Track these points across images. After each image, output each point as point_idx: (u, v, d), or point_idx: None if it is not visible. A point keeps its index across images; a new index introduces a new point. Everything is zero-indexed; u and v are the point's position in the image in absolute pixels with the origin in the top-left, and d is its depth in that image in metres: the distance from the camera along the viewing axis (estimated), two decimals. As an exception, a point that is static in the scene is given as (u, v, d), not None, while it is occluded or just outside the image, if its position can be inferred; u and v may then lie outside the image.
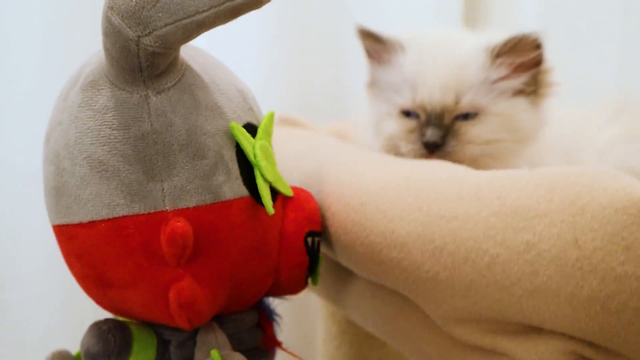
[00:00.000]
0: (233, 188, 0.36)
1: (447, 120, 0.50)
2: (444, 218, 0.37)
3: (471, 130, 0.50)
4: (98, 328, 0.37)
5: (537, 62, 0.50)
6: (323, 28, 0.89)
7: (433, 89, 0.50)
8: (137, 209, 0.34)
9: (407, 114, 0.52)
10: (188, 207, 0.34)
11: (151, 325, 0.39)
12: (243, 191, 0.37)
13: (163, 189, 0.34)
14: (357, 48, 0.57)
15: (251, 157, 0.37)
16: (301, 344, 0.96)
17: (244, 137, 0.37)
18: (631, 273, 0.30)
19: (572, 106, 0.63)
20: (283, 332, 0.75)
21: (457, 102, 0.50)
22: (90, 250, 0.35)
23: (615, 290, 0.30)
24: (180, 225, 0.33)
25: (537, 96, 0.51)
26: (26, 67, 0.67)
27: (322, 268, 0.43)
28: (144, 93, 0.34)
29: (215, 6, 0.31)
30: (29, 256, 0.68)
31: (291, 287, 0.42)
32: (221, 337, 0.38)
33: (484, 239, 0.35)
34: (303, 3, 0.87)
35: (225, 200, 0.36)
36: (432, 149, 0.49)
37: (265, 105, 0.44)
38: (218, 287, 0.36)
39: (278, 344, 0.44)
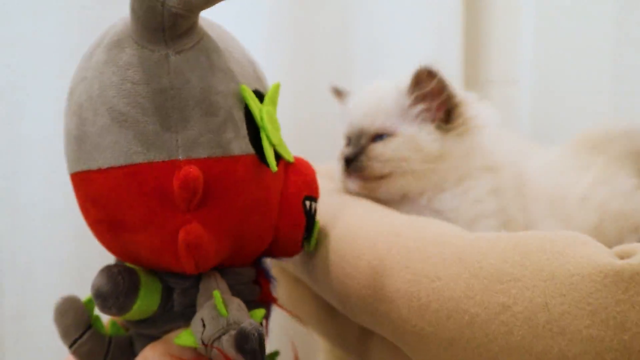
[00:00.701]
0: (241, 145, 0.39)
1: (364, 140, 0.60)
2: (428, 277, 0.39)
3: (376, 148, 0.58)
4: (109, 270, 0.39)
5: (439, 92, 0.58)
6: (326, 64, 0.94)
7: (356, 117, 0.61)
8: (152, 156, 0.37)
9: (347, 141, 0.62)
10: (199, 158, 0.37)
11: (157, 273, 0.41)
12: (249, 149, 0.40)
13: (177, 140, 0.37)
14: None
15: (258, 119, 0.40)
16: None
17: (252, 100, 0.40)
18: (595, 336, 0.34)
19: (547, 149, 0.70)
20: None
21: (371, 126, 0.59)
22: (106, 194, 0.38)
23: (582, 351, 0.34)
24: (192, 170, 0.36)
25: (449, 125, 0.58)
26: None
27: (316, 304, 0.42)
28: (165, 52, 0.37)
29: None
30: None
31: (288, 248, 0.45)
32: (222, 284, 0.40)
33: (465, 299, 0.38)
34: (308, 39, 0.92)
35: (233, 155, 0.39)
36: (347, 164, 0.58)
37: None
38: (222, 235, 0.39)
39: (274, 299, 0.47)
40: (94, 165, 0.38)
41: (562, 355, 0.35)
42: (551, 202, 0.63)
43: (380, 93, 0.61)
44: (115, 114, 0.37)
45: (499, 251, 0.38)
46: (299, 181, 0.44)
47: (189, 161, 0.37)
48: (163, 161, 0.37)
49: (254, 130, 0.41)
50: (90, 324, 0.43)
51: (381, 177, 0.58)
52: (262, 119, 0.41)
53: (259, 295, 0.45)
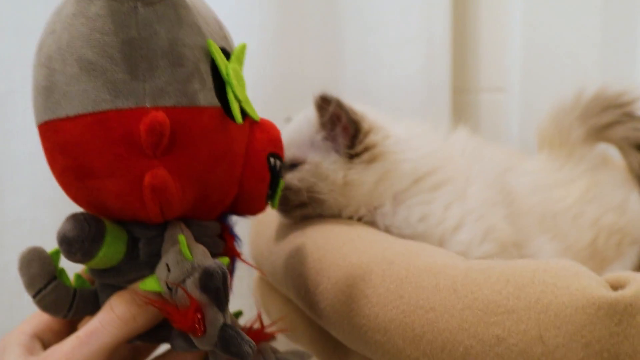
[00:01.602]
0: (207, 97, 0.40)
1: (282, 171, 0.58)
2: (423, 308, 0.39)
3: (287, 178, 0.58)
4: (74, 217, 0.40)
5: (338, 118, 0.58)
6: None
7: None
8: (120, 104, 0.38)
9: None
10: (166, 106, 0.38)
11: (122, 224, 0.42)
12: (215, 102, 0.41)
13: (145, 89, 0.38)
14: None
15: (224, 73, 0.42)
16: None
17: (218, 55, 0.42)
18: None
19: (528, 161, 0.71)
20: None
21: (286, 156, 0.58)
22: (74, 141, 0.38)
23: (576, 383, 0.35)
24: (159, 115, 0.37)
25: (352, 152, 0.58)
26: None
27: (308, 324, 0.42)
28: (134, 4, 0.38)
29: None
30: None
31: (253, 203, 0.46)
32: (187, 232, 0.41)
33: (459, 331, 0.38)
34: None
35: (199, 106, 0.40)
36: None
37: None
38: (187, 183, 0.40)
39: (238, 254, 0.47)
40: (62, 114, 0.39)
41: (556, 388, 0.35)
42: (541, 220, 0.63)
43: (297, 123, 0.62)
44: (84, 64, 0.38)
45: (492, 282, 0.39)
46: (263, 138, 0.45)
47: (156, 108, 0.38)
48: (130, 108, 0.38)
49: (220, 85, 0.42)
50: (55, 275, 0.43)
51: (299, 206, 0.58)
52: (228, 74, 0.42)
53: (223, 250, 0.46)
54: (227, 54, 0.43)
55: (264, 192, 0.46)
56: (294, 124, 0.62)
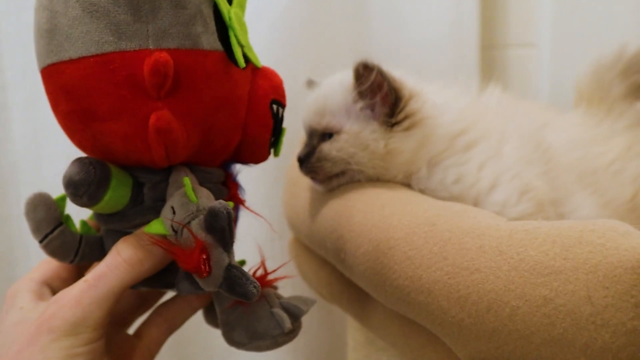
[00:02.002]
0: (209, 40, 0.40)
1: (314, 140, 0.59)
2: (468, 269, 0.39)
3: (324, 149, 0.58)
4: (81, 161, 0.40)
5: (379, 86, 0.57)
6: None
7: (307, 115, 0.61)
8: (124, 46, 0.38)
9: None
10: (169, 48, 0.38)
11: (127, 169, 0.42)
12: (218, 46, 0.41)
13: (148, 30, 0.38)
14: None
15: (226, 17, 0.42)
16: (331, 352, 0.93)
17: None
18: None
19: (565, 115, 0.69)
20: (312, 337, 0.68)
21: (319, 124, 0.59)
22: (78, 84, 0.38)
23: (626, 343, 0.35)
24: (162, 55, 0.37)
25: (393, 120, 0.57)
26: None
27: (346, 285, 0.42)
28: None
29: None
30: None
31: (256, 151, 0.46)
32: (192, 176, 0.41)
33: (505, 292, 0.38)
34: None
35: (202, 49, 0.40)
36: (300, 164, 0.59)
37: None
38: (191, 126, 0.40)
39: (242, 202, 0.47)
40: (65, 56, 0.38)
41: (605, 348, 0.35)
42: (580, 176, 0.62)
43: (329, 90, 0.60)
44: (86, 5, 0.38)
45: (539, 243, 0.38)
46: (266, 85, 0.45)
47: (160, 50, 0.38)
48: (134, 50, 0.38)
49: (222, 30, 0.42)
50: (61, 221, 0.43)
51: (335, 176, 0.58)
52: (230, 18, 0.42)
53: (226, 197, 0.46)
54: (229, 0, 0.43)
55: (267, 138, 0.46)
56: (325, 90, 0.61)
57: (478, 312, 0.39)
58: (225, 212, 0.37)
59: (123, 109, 0.38)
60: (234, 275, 0.38)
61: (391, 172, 0.58)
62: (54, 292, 0.43)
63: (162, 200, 0.41)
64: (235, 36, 0.42)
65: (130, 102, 0.38)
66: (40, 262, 0.46)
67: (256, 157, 0.47)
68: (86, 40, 0.38)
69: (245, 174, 0.50)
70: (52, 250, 0.43)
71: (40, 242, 0.43)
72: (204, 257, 0.37)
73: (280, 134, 0.47)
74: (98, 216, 0.44)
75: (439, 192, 0.57)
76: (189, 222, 0.38)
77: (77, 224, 0.46)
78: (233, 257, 0.39)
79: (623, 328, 0.35)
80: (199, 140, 0.41)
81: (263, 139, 0.45)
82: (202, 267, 0.37)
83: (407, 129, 0.57)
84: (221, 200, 0.38)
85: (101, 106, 0.38)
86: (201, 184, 0.42)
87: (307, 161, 0.58)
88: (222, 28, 0.41)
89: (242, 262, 0.50)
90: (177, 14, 0.38)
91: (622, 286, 0.35)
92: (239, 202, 0.47)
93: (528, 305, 0.37)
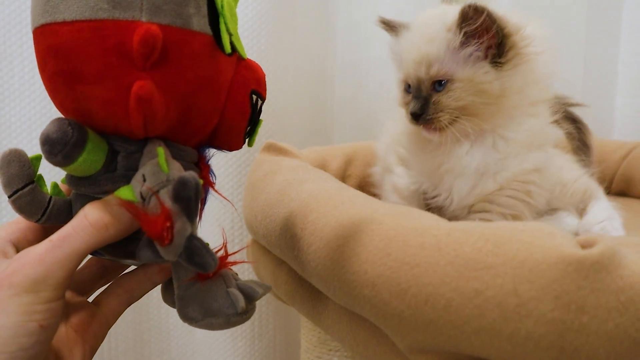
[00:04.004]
0: (200, 23, 0.42)
1: (425, 91, 0.60)
2: (408, 264, 0.42)
3: (442, 100, 0.59)
4: (59, 120, 0.41)
5: (488, 27, 0.57)
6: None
7: (409, 65, 0.60)
8: (117, 14, 0.40)
9: (405, 87, 0.63)
10: (161, 23, 0.40)
11: (104, 136, 0.43)
12: (207, 30, 0.43)
13: (142, 3, 0.40)
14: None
15: (218, 5, 0.44)
16: (285, 353, 0.94)
17: None
18: (559, 318, 0.38)
19: None
20: (268, 341, 0.68)
21: (427, 74, 0.59)
22: (68, 46, 0.40)
23: (546, 332, 0.38)
24: (153, 28, 0.39)
25: (503, 59, 0.58)
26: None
27: (300, 284, 0.44)
28: None
29: None
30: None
31: (232, 137, 0.48)
32: (166, 150, 0.43)
33: (441, 285, 0.41)
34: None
35: (192, 29, 0.42)
36: (416, 118, 0.59)
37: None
38: (172, 100, 0.41)
39: (211, 184, 0.49)
40: (59, 18, 0.40)
41: (529, 336, 0.38)
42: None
43: (429, 34, 0.60)
44: None
45: (474, 240, 0.42)
46: (248, 75, 0.47)
47: (151, 23, 0.40)
48: (126, 20, 0.40)
49: (214, 16, 0.44)
50: (33, 179, 0.44)
51: (450, 124, 0.59)
52: (222, 6, 0.44)
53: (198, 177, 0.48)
54: None
55: (243, 126, 0.47)
56: (424, 36, 0.60)
57: (417, 304, 0.42)
58: (193, 182, 0.38)
59: (108, 74, 0.40)
60: (194, 245, 0.39)
61: (500, 117, 0.59)
62: (19, 252, 0.43)
63: (134, 170, 0.42)
64: (225, 23, 0.44)
65: (115, 69, 0.40)
66: (8, 223, 0.47)
67: (231, 144, 0.49)
68: (82, 5, 0.39)
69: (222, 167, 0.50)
70: (20, 206, 0.44)
71: (10, 197, 0.43)
72: (168, 224, 0.39)
73: (257, 125, 0.49)
74: (69, 179, 0.45)
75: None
76: (157, 190, 0.40)
77: (49, 186, 0.47)
78: (196, 228, 0.40)
79: (544, 318, 0.38)
80: (178, 117, 0.43)
81: (239, 126, 0.47)
82: (165, 234, 0.38)
83: (516, 65, 0.58)
84: (191, 172, 0.40)
85: (87, 69, 0.40)
86: (174, 159, 0.43)
87: (424, 114, 0.59)
88: (214, 15, 0.43)
89: (206, 245, 0.52)
90: None
91: (545, 280, 0.39)
92: (208, 184, 0.49)
93: (461, 297, 0.40)
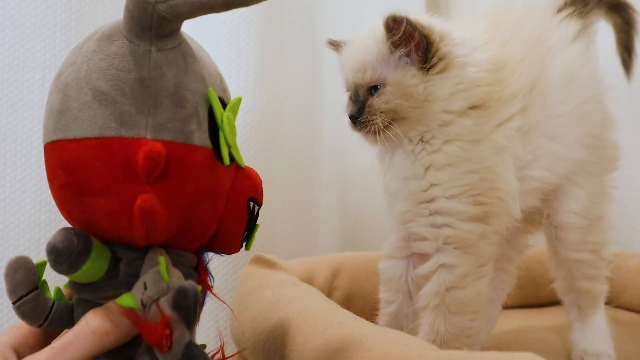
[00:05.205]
0: (201, 138, 0.45)
1: (362, 95, 0.63)
2: None
3: (374, 103, 0.61)
4: (65, 230, 0.43)
5: (411, 34, 0.60)
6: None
7: (348, 72, 0.64)
8: (124, 132, 0.43)
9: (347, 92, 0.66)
10: (164, 140, 0.43)
11: (108, 244, 0.45)
12: (208, 144, 0.46)
13: (147, 122, 0.43)
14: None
15: (219, 120, 0.47)
16: None
17: (216, 103, 0.47)
18: None
19: None
20: None
21: (362, 79, 0.62)
22: (77, 161, 0.43)
23: None
24: (157, 145, 0.42)
25: (427, 65, 0.61)
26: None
27: None
28: (149, 48, 0.44)
29: None
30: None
31: (229, 242, 0.50)
32: (167, 257, 0.44)
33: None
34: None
35: (194, 144, 0.45)
36: (353, 121, 0.62)
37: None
38: (173, 212, 0.44)
39: (209, 288, 0.51)
40: (70, 135, 0.43)
41: None
42: None
43: (363, 44, 0.64)
44: (97, 93, 0.43)
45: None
46: (246, 183, 0.50)
47: (155, 140, 0.43)
48: (132, 138, 0.43)
49: (214, 130, 0.47)
50: (37, 285, 0.46)
51: (386, 127, 0.61)
52: (222, 120, 0.47)
53: (196, 281, 0.49)
54: (223, 104, 0.49)
55: (241, 232, 0.50)
56: (360, 45, 0.64)
57: None
58: (193, 292, 0.40)
59: (114, 188, 0.42)
60: (192, 352, 0.40)
61: (430, 119, 0.60)
62: (20, 357, 0.45)
63: (136, 277, 0.44)
64: (225, 137, 0.47)
65: (121, 183, 0.42)
66: (10, 327, 0.48)
67: (228, 248, 0.51)
68: (92, 124, 0.43)
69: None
70: (24, 312, 0.45)
71: (14, 303, 0.45)
72: (167, 332, 0.40)
73: (254, 230, 0.51)
74: (73, 285, 0.46)
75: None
76: (158, 298, 0.41)
77: (52, 290, 0.48)
78: (194, 336, 0.42)
79: None
80: (179, 226, 0.45)
81: (237, 232, 0.49)
82: (164, 341, 0.40)
83: (442, 71, 0.61)
84: (191, 281, 0.41)
85: (94, 183, 0.42)
86: (174, 265, 0.45)
87: (360, 117, 0.61)
88: (214, 128, 0.47)
89: (203, 346, 0.52)
90: (175, 112, 0.44)
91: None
92: (206, 288, 0.50)
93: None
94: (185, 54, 0.46)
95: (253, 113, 0.94)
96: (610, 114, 0.72)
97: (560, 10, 0.70)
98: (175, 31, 0.45)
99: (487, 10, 0.74)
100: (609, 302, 0.89)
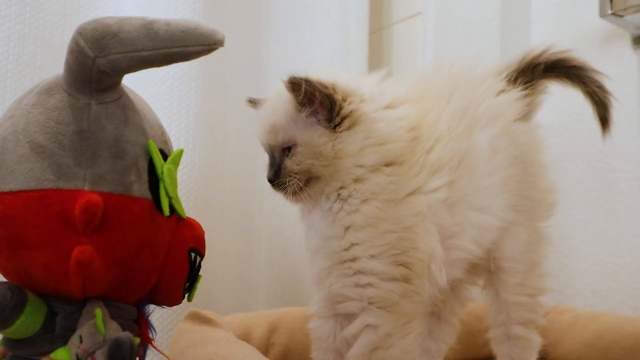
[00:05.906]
0: (141, 189, 0.45)
1: (277, 157, 0.62)
2: None
3: (287, 164, 0.61)
4: None
5: (312, 95, 0.59)
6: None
7: (262, 135, 0.63)
8: (62, 184, 0.42)
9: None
10: (103, 191, 0.43)
11: (43, 297, 0.44)
12: (148, 195, 0.46)
13: (86, 174, 0.43)
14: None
15: (159, 171, 0.47)
16: None
17: (156, 154, 0.47)
18: None
19: None
20: None
21: (276, 141, 0.62)
22: (13, 214, 0.42)
23: None
24: (94, 197, 0.41)
25: (334, 123, 0.60)
26: None
27: None
28: (88, 101, 0.44)
29: (156, 49, 0.43)
30: None
31: (170, 293, 0.49)
32: (104, 310, 0.44)
33: None
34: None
35: (133, 196, 0.45)
36: (271, 184, 0.61)
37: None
38: (112, 264, 0.43)
39: (149, 340, 0.50)
40: (6, 188, 0.43)
41: None
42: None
43: (273, 106, 0.63)
44: (35, 146, 0.43)
45: None
46: (187, 234, 0.50)
47: (93, 192, 0.42)
48: (70, 189, 0.42)
49: (155, 181, 0.47)
50: None
51: (303, 187, 0.60)
52: (162, 172, 0.47)
53: (136, 334, 0.48)
54: (165, 156, 0.49)
55: (182, 283, 0.49)
56: (270, 108, 0.63)
57: None
58: (128, 343, 0.40)
59: (50, 240, 0.42)
60: None
61: (343, 176, 0.60)
62: None
63: (73, 330, 0.43)
64: (165, 188, 0.47)
65: (57, 235, 0.42)
66: None
67: (170, 299, 0.50)
68: (28, 176, 0.42)
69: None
70: None
71: None
72: None
73: (196, 281, 0.50)
74: (6, 341, 0.45)
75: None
76: (94, 352, 0.40)
77: None
78: None
79: None
80: (118, 277, 0.44)
81: (178, 283, 0.49)
82: None
83: (350, 127, 0.60)
84: (127, 333, 0.41)
85: (30, 236, 0.42)
86: (113, 318, 0.44)
87: (277, 180, 0.60)
88: (155, 179, 0.47)
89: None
90: (114, 163, 0.44)
91: None
92: (146, 340, 0.49)
93: None
94: (125, 107, 0.46)
95: (194, 166, 0.93)
96: (541, 163, 0.72)
97: (503, 77, 0.71)
98: (115, 85, 0.45)
99: (423, 70, 0.76)
100: (542, 357, 0.91)
